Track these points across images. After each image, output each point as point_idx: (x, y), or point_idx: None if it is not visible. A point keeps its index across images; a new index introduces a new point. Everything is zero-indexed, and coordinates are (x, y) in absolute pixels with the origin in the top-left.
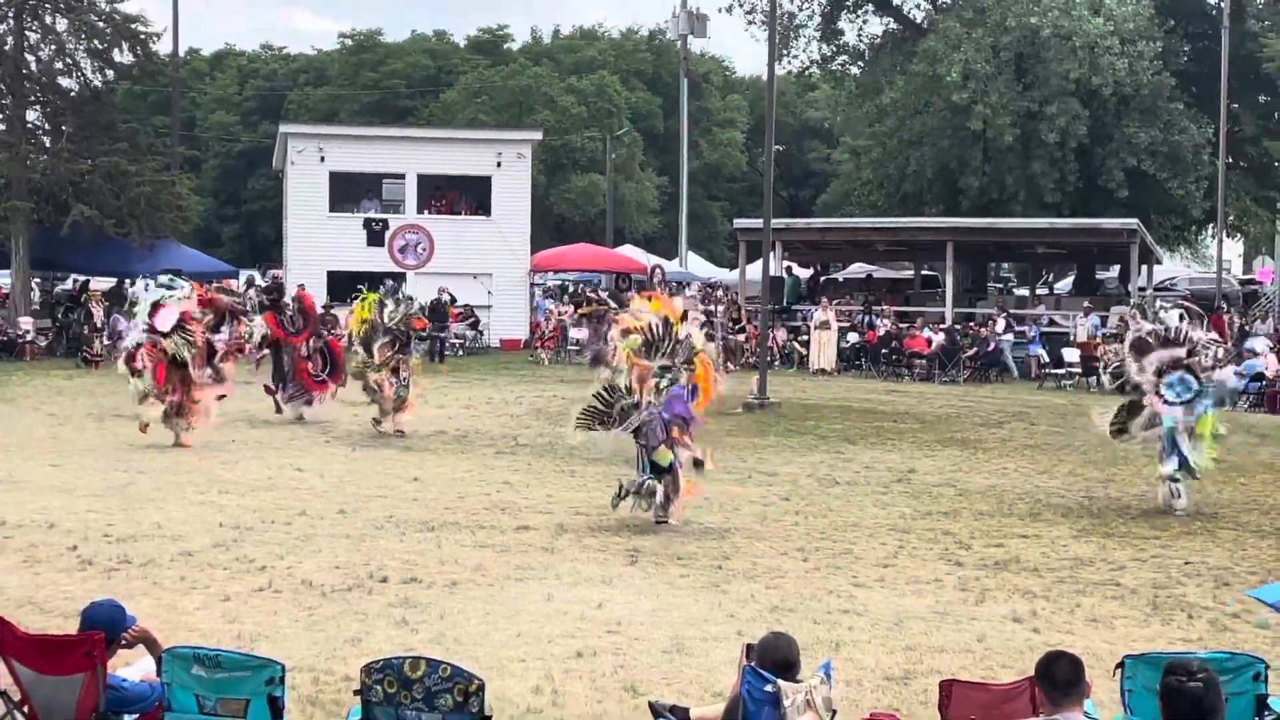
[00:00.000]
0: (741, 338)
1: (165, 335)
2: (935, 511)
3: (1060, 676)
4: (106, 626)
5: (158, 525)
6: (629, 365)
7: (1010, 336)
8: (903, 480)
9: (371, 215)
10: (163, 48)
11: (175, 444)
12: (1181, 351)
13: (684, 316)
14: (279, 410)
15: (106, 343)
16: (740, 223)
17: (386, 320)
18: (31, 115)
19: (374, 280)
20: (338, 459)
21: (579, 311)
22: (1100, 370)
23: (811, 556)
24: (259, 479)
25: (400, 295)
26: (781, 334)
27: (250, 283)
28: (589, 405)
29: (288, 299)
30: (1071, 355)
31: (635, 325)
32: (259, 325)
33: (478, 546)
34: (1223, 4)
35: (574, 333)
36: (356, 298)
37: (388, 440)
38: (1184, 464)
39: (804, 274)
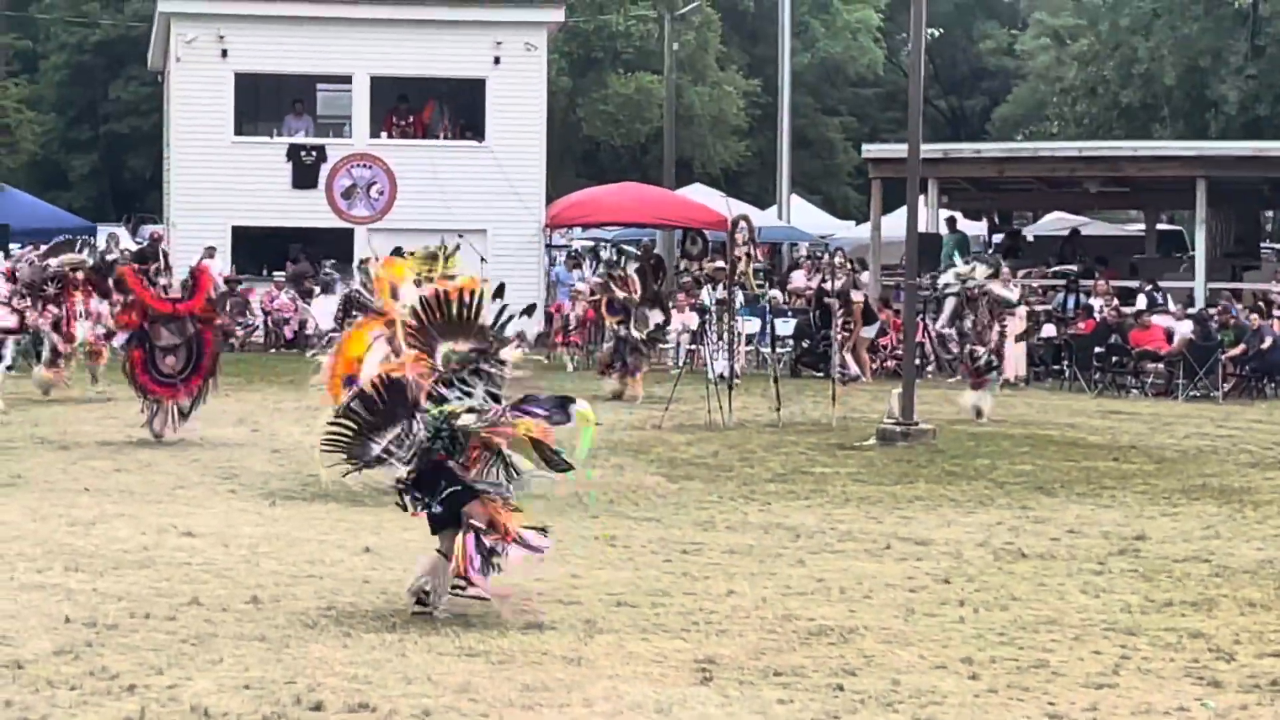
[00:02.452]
0: (872, 331)
1: None
2: (1178, 601)
3: None
4: None
5: None
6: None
7: None
8: (1127, 552)
9: (301, 141)
10: None
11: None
12: None
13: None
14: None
15: None
16: (873, 150)
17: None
18: None
19: (303, 238)
20: (248, 518)
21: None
22: None
23: (984, 672)
24: (127, 548)
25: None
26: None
27: (113, 244)
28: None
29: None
30: None
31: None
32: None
33: (463, 655)
34: None
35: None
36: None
37: (324, 488)
38: None
39: (973, 229)
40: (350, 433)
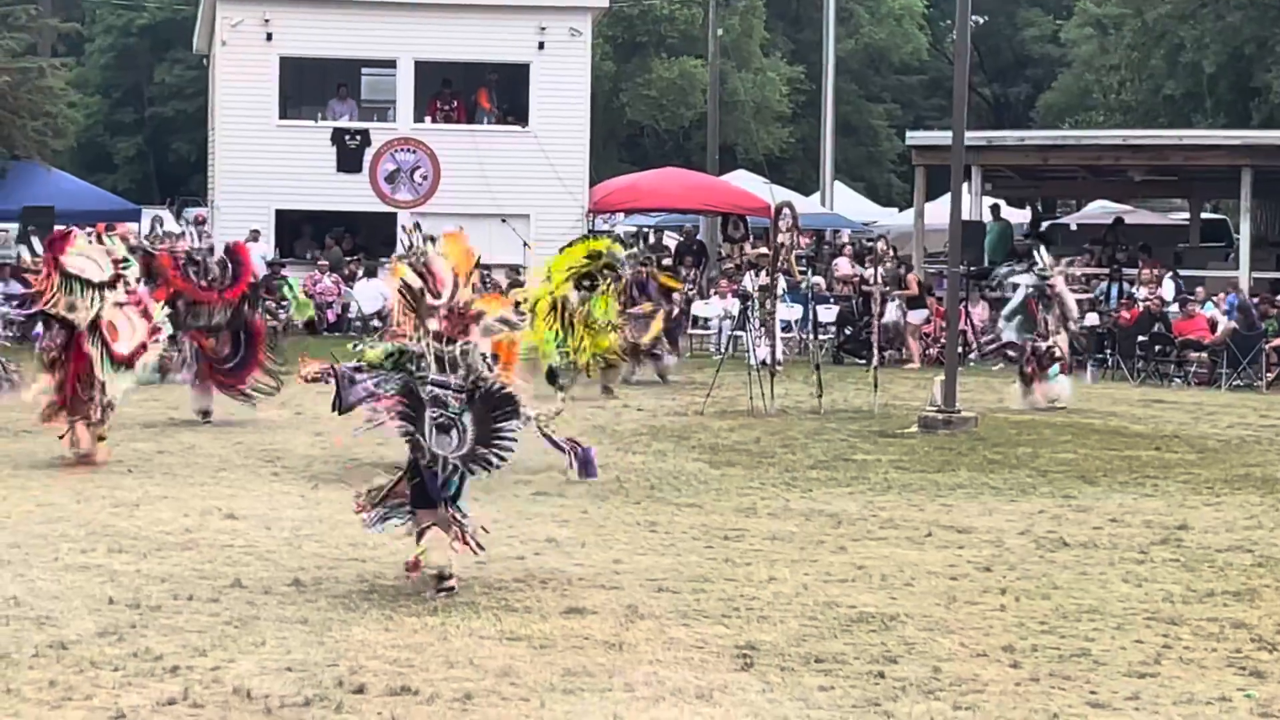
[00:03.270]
0: (920, 319)
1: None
2: (1221, 591)
3: None
4: None
5: (14, 600)
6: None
7: None
8: (1169, 541)
9: (345, 125)
10: None
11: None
12: None
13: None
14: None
15: None
16: (917, 137)
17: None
18: None
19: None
20: (291, 500)
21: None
22: None
23: (1026, 660)
24: (170, 530)
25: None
26: (981, 310)
27: (157, 227)
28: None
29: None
30: None
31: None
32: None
33: (505, 639)
34: None
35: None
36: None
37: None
38: None
39: (1017, 217)
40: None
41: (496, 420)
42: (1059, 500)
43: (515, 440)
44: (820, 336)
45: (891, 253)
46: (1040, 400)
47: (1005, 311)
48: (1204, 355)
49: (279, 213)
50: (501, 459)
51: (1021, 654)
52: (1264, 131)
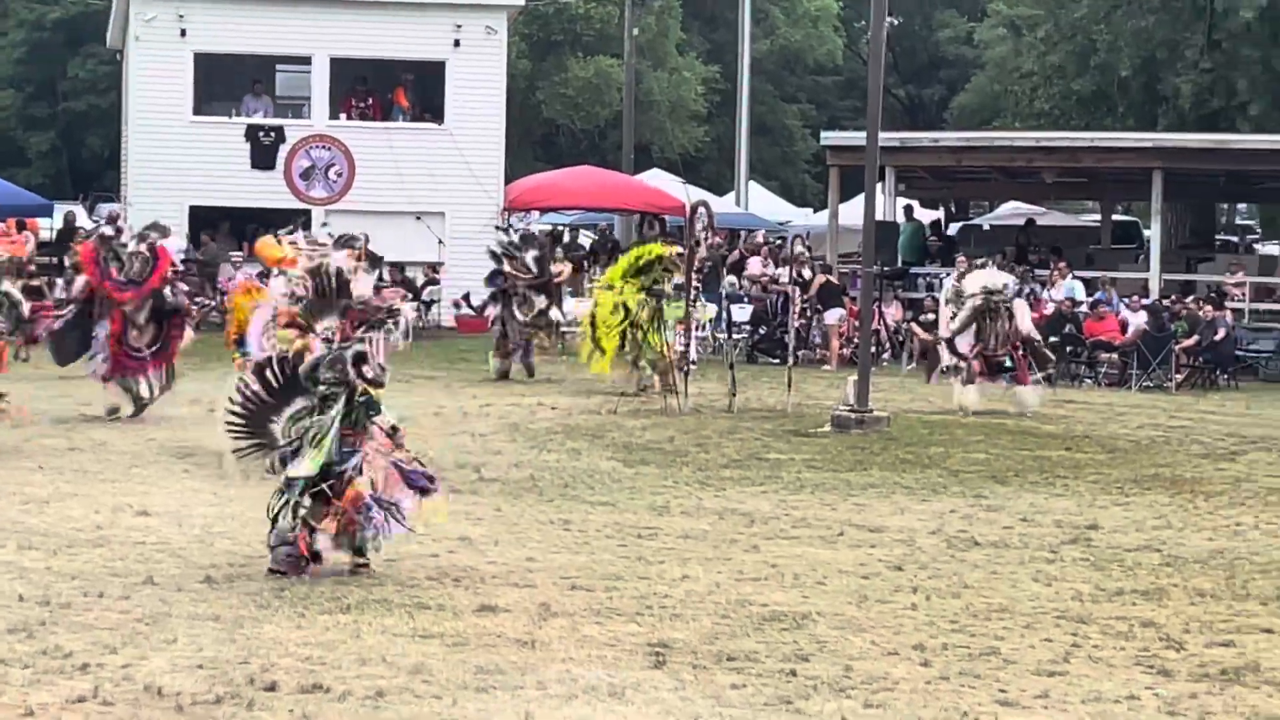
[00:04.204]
0: (835, 318)
1: None
2: (1129, 590)
3: None
4: None
5: None
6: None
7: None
8: (1079, 541)
9: (259, 121)
10: None
11: None
12: None
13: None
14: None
15: None
16: (832, 137)
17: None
18: None
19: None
20: (203, 497)
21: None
22: None
23: (936, 659)
24: (81, 527)
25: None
26: (894, 311)
27: (69, 223)
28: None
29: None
30: None
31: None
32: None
33: (417, 636)
34: None
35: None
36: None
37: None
38: None
39: (930, 218)
40: (249, 415)
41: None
42: (970, 500)
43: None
44: (735, 336)
45: (808, 253)
46: (978, 399)
47: (955, 326)
48: (1115, 356)
49: (193, 209)
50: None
51: (932, 652)
52: (1175, 134)
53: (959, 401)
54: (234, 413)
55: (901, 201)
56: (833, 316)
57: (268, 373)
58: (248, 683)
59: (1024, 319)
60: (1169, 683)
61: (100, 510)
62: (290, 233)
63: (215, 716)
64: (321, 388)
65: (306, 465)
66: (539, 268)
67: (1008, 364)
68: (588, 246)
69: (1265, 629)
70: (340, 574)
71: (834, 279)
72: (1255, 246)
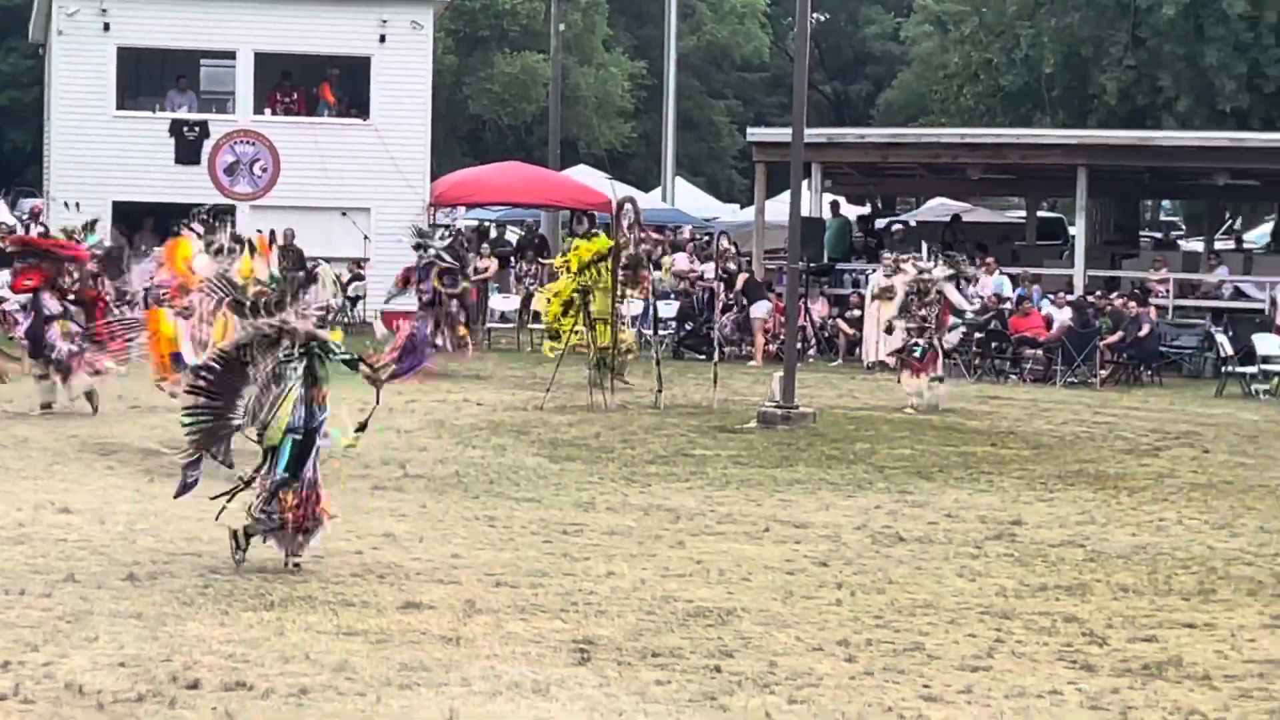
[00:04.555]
0: (763, 312)
1: None
2: (1053, 585)
3: None
4: None
5: None
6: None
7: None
8: (1003, 537)
9: (183, 116)
10: None
11: None
12: None
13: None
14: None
15: None
16: (758, 134)
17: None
18: None
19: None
20: (125, 494)
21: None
22: None
23: (861, 654)
24: (2, 524)
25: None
26: (820, 307)
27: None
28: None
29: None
30: (1269, 345)
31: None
32: None
33: (341, 634)
34: None
35: (501, 303)
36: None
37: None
38: None
39: (856, 214)
40: (208, 419)
41: None
42: (895, 496)
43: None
44: (661, 332)
45: (733, 250)
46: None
47: (893, 310)
48: (1039, 352)
49: (117, 204)
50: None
51: (856, 648)
52: (1099, 131)
53: (908, 391)
54: (193, 407)
55: (828, 198)
56: (759, 310)
57: (212, 367)
58: (170, 680)
59: (956, 296)
60: (1092, 677)
61: (22, 507)
62: (189, 224)
63: (137, 714)
64: (271, 364)
65: (274, 441)
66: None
67: (917, 353)
68: (514, 242)
69: (1187, 624)
70: (265, 570)
71: (754, 274)
72: (1179, 244)
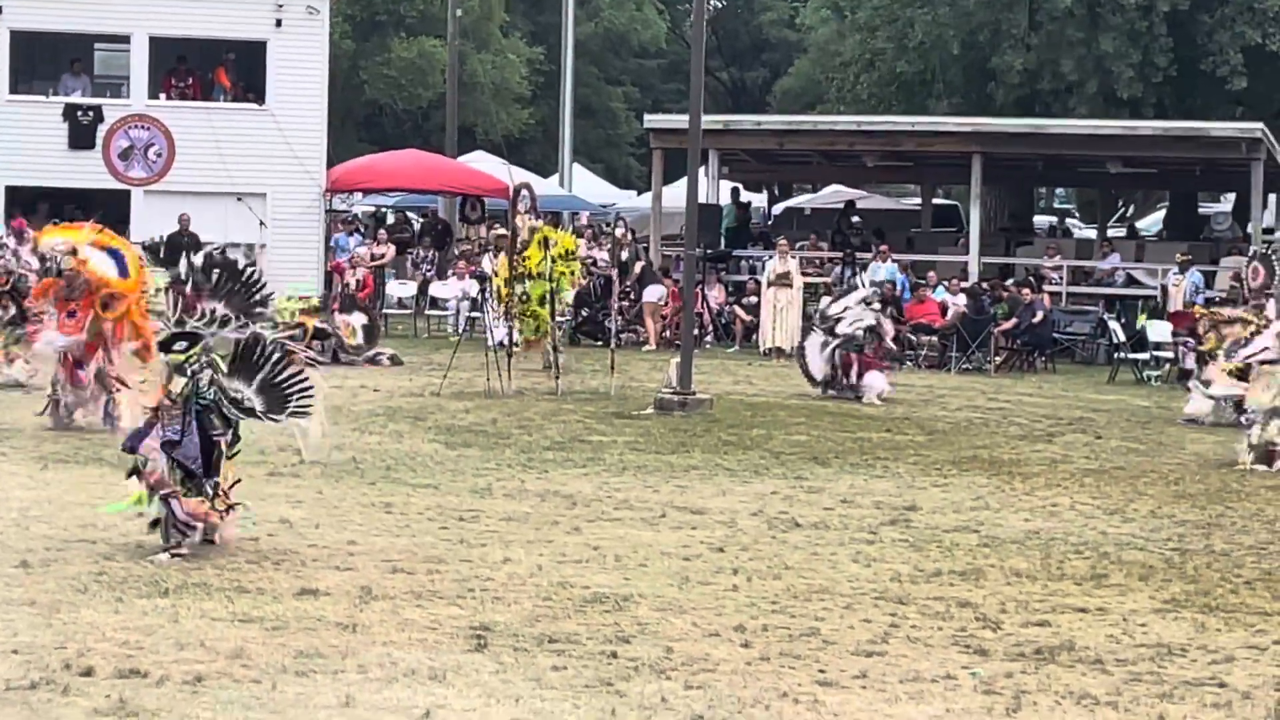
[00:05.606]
0: (655, 296)
1: None
2: (947, 571)
3: None
4: None
5: None
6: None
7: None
8: (898, 522)
9: (77, 100)
10: None
11: None
12: None
13: None
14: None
15: None
16: (655, 120)
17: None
18: None
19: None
20: (19, 480)
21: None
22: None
23: (757, 640)
24: None
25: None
26: (717, 293)
27: None
28: None
29: None
30: (1161, 332)
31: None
32: None
33: (237, 620)
34: None
35: (399, 289)
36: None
37: (99, 450)
38: None
39: (753, 201)
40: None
41: None
42: (791, 481)
43: None
44: (558, 318)
45: (630, 236)
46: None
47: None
48: (934, 339)
49: (10, 189)
50: None
51: (753, 633)
52: (993, 119)
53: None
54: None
55: (726, 184)
56: (652, 294)
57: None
58: (64, 668)
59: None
60: (985, 662)
61: None
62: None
63: (30, 701)
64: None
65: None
66: None
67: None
68: (417, 228)
69: (1079, 608)
70: (156, 554)
71: (649, 260)
72: (1072, 231)
